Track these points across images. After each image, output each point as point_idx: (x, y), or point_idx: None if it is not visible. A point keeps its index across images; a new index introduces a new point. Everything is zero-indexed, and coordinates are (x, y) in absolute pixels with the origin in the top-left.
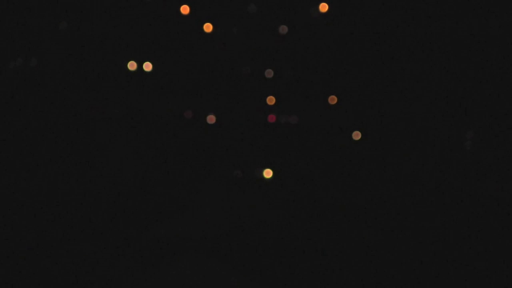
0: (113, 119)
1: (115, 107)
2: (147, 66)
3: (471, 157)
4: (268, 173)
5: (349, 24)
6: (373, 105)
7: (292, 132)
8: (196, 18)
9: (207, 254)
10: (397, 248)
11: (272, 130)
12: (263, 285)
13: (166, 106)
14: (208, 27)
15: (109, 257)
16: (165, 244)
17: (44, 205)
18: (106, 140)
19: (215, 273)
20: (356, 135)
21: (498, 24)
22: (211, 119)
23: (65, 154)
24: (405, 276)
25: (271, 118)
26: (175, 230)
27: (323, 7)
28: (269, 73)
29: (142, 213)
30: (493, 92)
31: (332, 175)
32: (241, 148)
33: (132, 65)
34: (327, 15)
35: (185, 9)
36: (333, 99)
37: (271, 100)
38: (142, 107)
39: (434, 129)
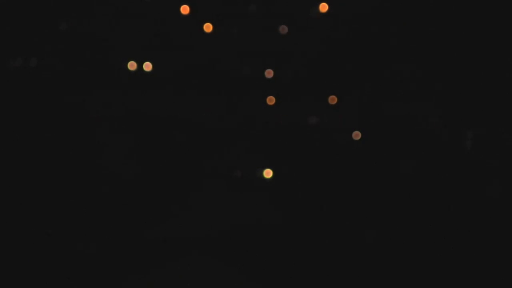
0: (113, 119)
1: (115, 107)
2: (147, 66)
3: (471, 157)
4: (268, 173)
5: (349, 24)
6: (373, 105)
7: (292, 132)
8: (196, 18)
9: (207, 254)
10: (397, 248)
11: (272, 130)
12: (263, 285)
13: (166, 106)
14: (208, 27)
15: (109, 257)
16: (165, 244)
17: (44, 205)
18: (106, 140)
19: (215, 273)
20: (356, 135)
21: (498, 24)
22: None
23: (65, 154)
24: (405, 276)
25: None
26: (175, 230)
27: (323, 7)
28: (269, 73)
29: (142, 213)
30: (493, 92)
31: (332, 175)
32: (241, 148)
33: (132, 65)
34: (327, 15)
35: (185, 9)
36: (333, 99)
37: (271, 100)
38: (142, 107)
39: (434, 129)
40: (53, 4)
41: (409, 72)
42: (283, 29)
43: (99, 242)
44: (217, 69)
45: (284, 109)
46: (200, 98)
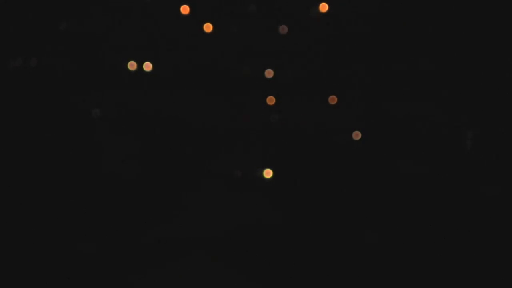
0: (113, 119)
1: (115, 107)
2: (147, 66)
3: (471, 157)
4: (268, 173)
5: (349, 24)
6: (373, 105)
7: (292, 132)
8: (196, 18)
9: (207, 254)
10: (397, 248)
11: (272, 130)
12: (263, 285)
13: (166, 106)
14: (208, 27)
15: (109, 257)
16: (165, 245)
17: (44, 205)
18: (105, 140)
19: (215, 273)
20: (356, 135)
21: (498, 24)
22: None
23: (64, 154)
24: (404, 276)
25: None
26: (175, 230)
27: (323, 7)
28: (269, 73)
29: (142, 213)
30: (493, 92)
31: (332, 175)
32: (241, 148)
33: (132, 65)
34: (327, 15)
35: (185, 9)
36: (333, 99)
37: (271, 100)
38: (142, 107)
39: (434, 129)
40: (53, 4)
41: (409, 72)
42: (283, 29)
43: (99, 242)
44: (217, 69)
45: (284, 109)
46: (200, 98)
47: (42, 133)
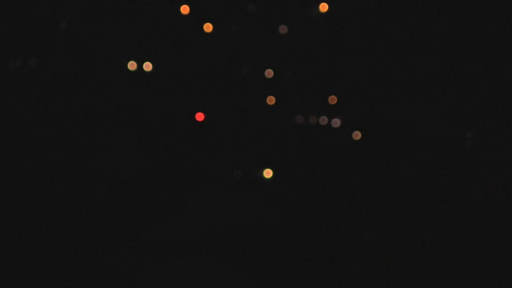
0: (113, 119)
1: (115, 107)
2: (147, 66)
3: (471, 157)
4: (268, 173)
5: (349, 24)
6: (373, 105)
7: (292, 132)
8: (196, 18)
9: (207, 254)
10: (397, 248)
11: (272, 130)
12: (263, 285)
13: (166, 106)
14: (208, 27)
15: (109, 257)
16: (165, 244)
17: (43, 205)
18: (106, 140)
19: (215, 273)
20: (356, 135)
21: (498, 24)
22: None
23: (65, 154)
24: (404, 276)
25: None
26: (175, 230)
27: (323, 7)
28: (269, 73)
29: (142, 213)
30: (493, 92)
31: (332, 175)
32: (241, 148)
33: (132, 65)
34: (327, 15)
35: (185, 9)
36: (333, 99)
37: (271, 100)
38: (142, 107)
39: (434, 129)
40: (53, 4)
41: (410, 72)
42: (283, 29)
43: (99, 242)
44: (217, 69)
45: (284, 109)
46: (200, 98)
47: (42, 132)
